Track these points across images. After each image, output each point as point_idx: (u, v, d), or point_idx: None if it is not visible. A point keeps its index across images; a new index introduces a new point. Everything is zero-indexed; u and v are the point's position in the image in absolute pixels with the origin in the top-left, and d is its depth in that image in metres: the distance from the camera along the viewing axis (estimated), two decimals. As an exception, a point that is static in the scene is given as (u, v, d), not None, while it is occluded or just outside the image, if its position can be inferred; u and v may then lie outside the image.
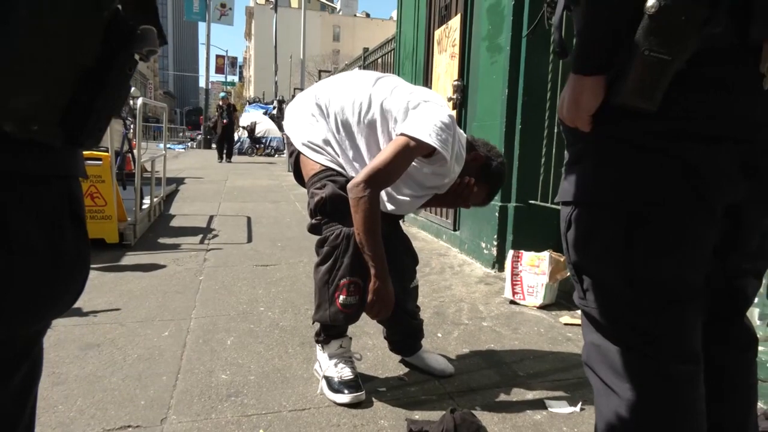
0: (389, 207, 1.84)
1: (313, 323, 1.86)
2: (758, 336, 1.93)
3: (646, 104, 0.78)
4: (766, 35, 0.75)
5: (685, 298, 0.88)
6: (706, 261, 0.89)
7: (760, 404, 1.73)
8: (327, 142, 1.77)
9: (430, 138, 1.60)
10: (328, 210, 1.71)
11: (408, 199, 1.83)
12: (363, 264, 1.69)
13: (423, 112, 1.66)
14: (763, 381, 1.73)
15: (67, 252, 0.58)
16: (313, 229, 1.79)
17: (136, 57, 0.58)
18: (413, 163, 1.69)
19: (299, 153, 1.81)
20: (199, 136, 26.29)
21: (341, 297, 1.69)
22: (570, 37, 0.89)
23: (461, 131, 1.84)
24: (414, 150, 1.62)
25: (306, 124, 1.81)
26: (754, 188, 0.88)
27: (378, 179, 1.61)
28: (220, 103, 14.02)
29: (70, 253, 0.58)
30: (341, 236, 1.68)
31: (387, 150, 1.64)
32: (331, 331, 1.83)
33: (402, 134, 1.62)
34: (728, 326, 1.01)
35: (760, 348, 1.79)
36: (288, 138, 1.88)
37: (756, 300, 1.89)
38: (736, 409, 1.01)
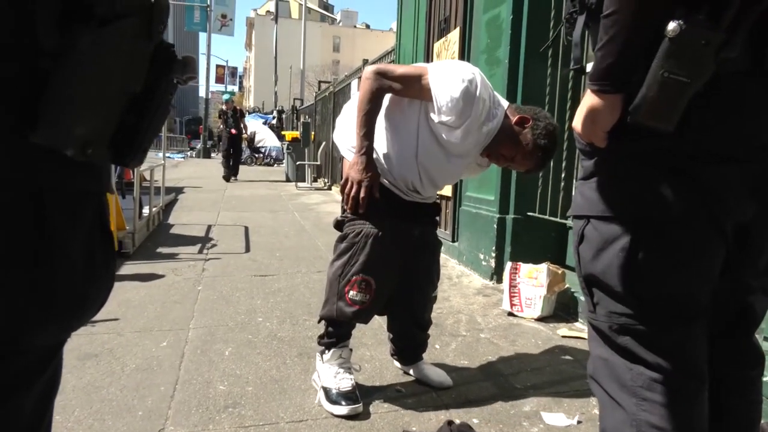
0: (427, 182, 1.80)
1: (319, 321, 1.89)
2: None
3: (663, 124, 0.80)
4: None
5: (693, 314, 0.89)
6: (714, 278, 0.90)
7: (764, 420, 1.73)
8: None
9: (440, 92, 1.62)
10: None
11: (442, 165, 1.77)
12: (379, 266, 1.74)
13: (451, 70, 1.67)
14: (766, 398, 1.73)
15: (98, 263, 0.61)
16: (338, 225, 1.85)
17: (175, 81, 0.61)
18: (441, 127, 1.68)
19: (344, 158, 1.87)
20: (199, 145, 26.33)
21: (351, 292, 1.74)
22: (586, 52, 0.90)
23: (500, 97, 1.79)
24: (424, 86, 1.65)
25: (351, 130, 1.84)
26: (761, 208, 0.90)
27: (386, 74, 1.68)
28: (224, 107, 11.04)
29: (100, 264, 0.62)
30: (361, 234, 1.74)
31: (408, 66, 1.75)
32: (337, 331, 1.85)
33: (428, 69, 1.68)
34: (736, 344, 1.01)
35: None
36: (336, 146, 1.94)
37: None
38: (738, 426, 1.01)
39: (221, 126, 10.89)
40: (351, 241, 1.76)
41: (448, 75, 1.64)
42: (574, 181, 2.96)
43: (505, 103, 1.80)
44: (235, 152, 10.76)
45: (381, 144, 1.78)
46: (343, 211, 1.82)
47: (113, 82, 0.53)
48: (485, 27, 3.67)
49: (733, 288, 0.96)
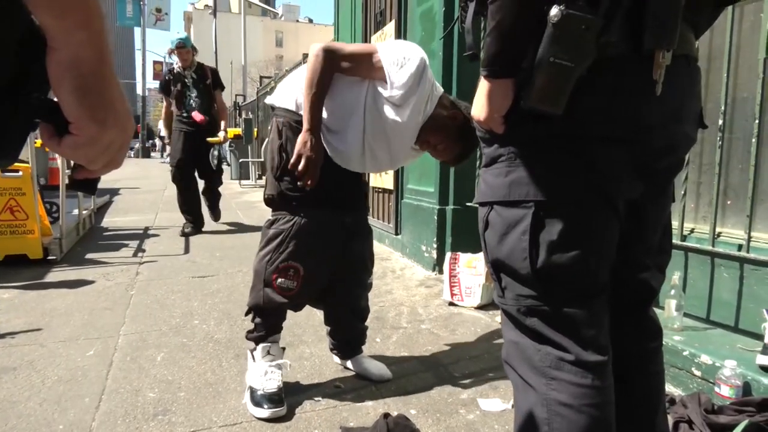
0: (373, 158, 1.75)
1: (246, 314, 1.85)
2: (675, 326, 2.03)
3: (551, 108, 0.82)
4: (655, 45, 0.81)
5: (593, 292, 0.92)
6: (611, 256, 0.93)
7: (678, 391, 1.82)
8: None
9: (393, 68, 1.60)
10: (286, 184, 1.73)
11: (387, 145, 1.73)
12: (308, 253, 1.72)
13: (402, 48, 1.66)
14: (679, 369, 1.82)
15: None
16: (269, 203, 1.81)
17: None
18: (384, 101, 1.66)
19: (274, 117, 1.83)
20: (137, 144, 25.27)
21: (279, 279, 1.72)
22: (479, 40, 0.91)
23: (439, 86, 1.80)
24: (375, 64, 1.63)
25: (295, 89, 1.78)
26: (651, 187, 0.94)
27: (335, 52, 1.64)
28: (176, 66, 4.86)
29: None
30: (292, 222, 1.72)
31: (357, 44, 1.74)
32: (265, 323, 1.81)
33: (378, 47, 1.66)
34: (636, 318, 1.06)
35: (676, 337, 1.89)
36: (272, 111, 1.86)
37: (672, 291, 1.99)
38: (645, 397, 1.06)
39: (167, 110, 4.98)
40: (280, 228, 1.74)
41: (401, 52, 1.63)
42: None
43: (440, 90, 1.79)
44: (217, 168, 5.11)
45: (327, 122, 1.72)
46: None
47: None
48: (419, 20, 3.69)
49: (629, 265, 0.99)
